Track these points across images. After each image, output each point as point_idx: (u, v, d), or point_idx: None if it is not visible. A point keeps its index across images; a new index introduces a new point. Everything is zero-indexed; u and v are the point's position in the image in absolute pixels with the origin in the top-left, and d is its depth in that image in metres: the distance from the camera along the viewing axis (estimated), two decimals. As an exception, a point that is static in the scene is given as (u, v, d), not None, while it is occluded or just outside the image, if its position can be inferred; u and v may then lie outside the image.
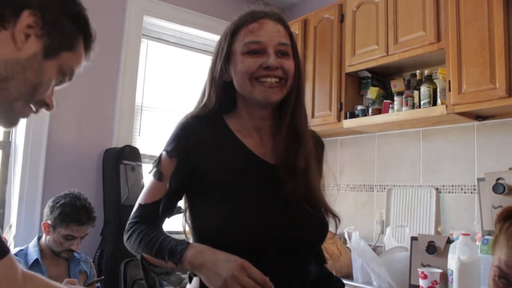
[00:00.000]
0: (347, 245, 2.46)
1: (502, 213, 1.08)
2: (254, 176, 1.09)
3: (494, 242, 1.08)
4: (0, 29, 0.72)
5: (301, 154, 1.09)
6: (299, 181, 1.07)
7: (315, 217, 1.09)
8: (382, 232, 2.70)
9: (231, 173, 1.08)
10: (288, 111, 1.12)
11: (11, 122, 0.80)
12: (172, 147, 1.10)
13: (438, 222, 2.51)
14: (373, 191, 2.97)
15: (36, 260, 2.17)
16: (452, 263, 1.81)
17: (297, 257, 1.07)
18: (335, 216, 1.13)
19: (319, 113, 2.93)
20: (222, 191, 1.06)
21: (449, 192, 2.53)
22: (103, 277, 2.15)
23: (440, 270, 1.88)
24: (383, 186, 2.89)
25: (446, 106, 2.21)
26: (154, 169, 1.11)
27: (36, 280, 0.83)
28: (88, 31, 0.85)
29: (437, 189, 2.57)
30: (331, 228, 1.14)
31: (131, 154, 2.94)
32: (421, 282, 1.87)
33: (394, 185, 2.81)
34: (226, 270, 0.91)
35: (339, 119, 2.80)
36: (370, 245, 2.55)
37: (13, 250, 2.18)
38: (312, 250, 1.13)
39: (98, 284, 2.37)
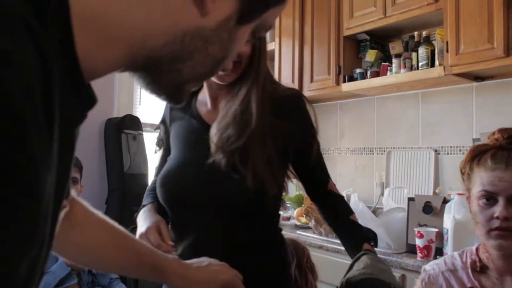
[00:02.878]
0: (347, 207, 2.51)
1: (468, 155, 1.17)
2: (193, 140, 1.19)
3: (468, 178, 1.16)
4: None
5: (241, 133, 1.09)
6: (228, 153, 1.09)
7: (236, 181, 1.10)
8: (382, 194, 2.74)
9: (178, 138, 1.22)
10: (243, 89, 1.13)
11: (176, 102, 0.57)
12: (161, 117, 1.29)
13: (436, 184, 2.55)
14: (373, 154, 2.99)
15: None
16: (448, 222, 1.85)
17: (218, 217, 1.13)
18: (271, 184, 1.11)
19: (318, 77, 2.93)
20: (172, 153, 1.22)
21: (447, 154, 2.55)
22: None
23: (436, 229, 1.92)
24: (382, 149, 2.92)
25: (444, 67, 2.20)
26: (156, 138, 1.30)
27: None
28: None
29: (435, 150, 2.59)
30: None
31: (132, 123, 2.97)
32: (418, 241, 1.91)
33: (393, 148, 2.83)
34: (144, 228, 1.13)
35: (337, 83, 2.80)
36: (370, 207, 2.60)
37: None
38: (232, 212, 1.14)
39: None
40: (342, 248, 2.17)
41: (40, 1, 0.34)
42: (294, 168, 1.26)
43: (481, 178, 1.13)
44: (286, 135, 1.17)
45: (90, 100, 0.43)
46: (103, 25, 0.40)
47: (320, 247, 2.35)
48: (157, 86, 0.52)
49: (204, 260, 0.98)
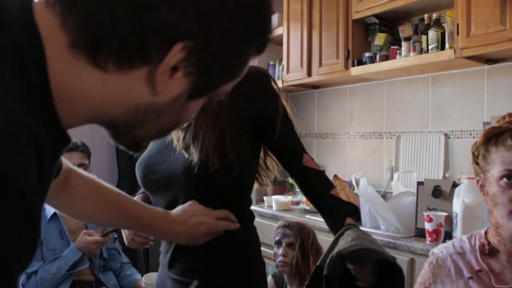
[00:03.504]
0: (355, 192, 2.51)
1: (483, 137, 1.17)
2: None
3: (484, 159, 1.15)
4: (140, 64, 0.52)
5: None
6: (182, 131, 1.14)
7: (184, 158, 1.13)
8: (392, 178, 2.73)
9: None
10: None
11: (134, 151, 0.67)
12: None
13: (446, 168, 2.53)
14: (382, 138, 2.98)
15: (54, 213, 2.26)
16: (457, 206, 1.84)
17: (179, 197, 1.17)
18: (213, 158, 1.13)
19: (327, 62, 2.91)
20: None
21: (457, 138, 2.53)
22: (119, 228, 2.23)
23: (445, 213, 1.92)
24: (392, 133, 2.90)
25: (454, 50, 2.17)
26: None
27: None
28: (264, 38, 0.62)
29: (445, 134, 2.57)
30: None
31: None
32: (427, 225, 1.91)
33: (403, 132, 2.82)
34: None
35: (346, 67, 2.77)
36: (379, 192, 2.60)
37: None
38: (187, 191, 1.16)
39: (115, 235, 2.47)
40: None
41: (32, 95, 0.49)
42: (267, 146, 1.27)
43: (503, 158, 1.11)
44: (246, 111, 1.16)
45: (67, 141, 0.56)
46: (71, 97, 0.53)
47: (329, 231, 2.35)
48: (117, 140, 0.62)
49: (188, 210, 1.06)
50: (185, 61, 0.53)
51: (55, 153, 0.55)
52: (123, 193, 1.04)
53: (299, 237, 2.05)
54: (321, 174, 1.25)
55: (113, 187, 1.03)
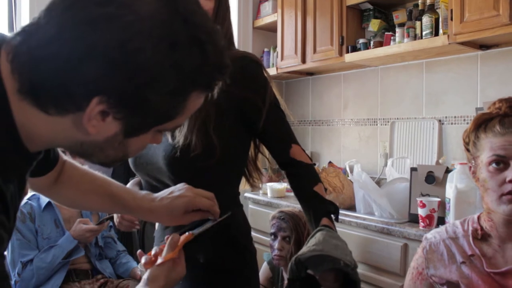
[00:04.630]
0: (349, 178, 2.52)
1: (473, 124, 1.18)
2: None
3: (474, 145, 1.16)
4: (74, 110, 0.62)
5: None
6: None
7: (167, 145, 1.14)
8: (386, 165, 2.74)
9: None
10: None
11: (106, 167, 0.78)
12: None
13: (440, 154, 2.54)
14: (376, 124, 2.98)
15: (49, 202, 2.26)
16: (450, 191, 1.85)
17: (167, 182, 1.18)
18: (196, 143, 1.13)
19: (321, 48, 2.90)
20: None
21: (451, 124, 2.54)
22: (113, 215, 2.24)
23: (438, 199, 1.93)
24: (386, 120, 2.91)
25: (448, 36, 2.17)
26: None
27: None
28: (209, 81, 0.69)
29: (439, 120, 2.58)
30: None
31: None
32: (420, 211, 1.93)
33: (397, 118, 2.82)
34: None
35: (341, 54, 2.77)
36: (374, 178, 2.61)
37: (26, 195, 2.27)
38: (163, 173, 1.18)
39: (110, 223, 2.48)
40: (350, 219, 2.20)
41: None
42: (254, 135, 1.27)
43: (491, 144, 1.12)
44: (233, 98, 1.15)
45: (34, 159, 0.72)
46: (33, 134, 0.65)
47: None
48: (83, 159, 0.73)
49: (170, 189, 1.05)
50: (111, 108, 0.62)
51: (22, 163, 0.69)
52: (107, 177, 1.05)
53: (295, 230, 2.07)
54: (308, 168, 1.23)
55: (97, 172, 1.06)
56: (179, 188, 1.04)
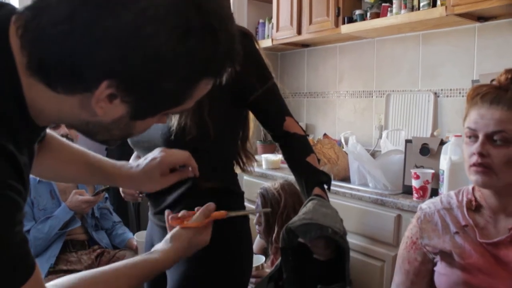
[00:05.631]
0: (344, 150, 2.53)
1: (468, 96, 1.19)
2: None
3: (465, 118, 1.18)
4: (82, 91, 0.64)
5: None
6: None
7: (164, 126, 1.14)
8: (381, 137, 2.75)
9: None
10: None
11: (108, 146, 0.81)
12: None
13: (435, 126, 2.55)
14: (372, 97, 2.98)
15: (45, 174, 2.25)
16: (444, 163, 1.87)
17: None
18: (191, 126, 1.14)
19: (317, 19, 2.86)
20: None
21: (447, 96, 2.54)
22: (108, 186, 2.25)
23: (432, 171, 1.95)
24: (382, 92, 2.90)
25: (446, 7, 2.14)
26: None
27: None
28: (219, 69, 0.70)
29: (435, 93, 2.58)
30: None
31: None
32: (414, 182, 1.94)
33: (393, 91, 2.82)
34: None
35: (337, 25, 2.74)
36: (368, 150, 2.62)
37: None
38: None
39: (106, 194, 2.49)
40: (345, 190, 2.21)
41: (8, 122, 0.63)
42: (248, 109, 1.26)
43: (469, 116, 1.15)
44: (226, 79, 1.16)
45: (42, 129, 0.74)
46: (41, 110, 0.66)
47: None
48: (87, 137, 0.74)
49: (147, 155, 1.06)
50: (120, 91, 0.63)
51: (31, 134, 0.70)
52: (87, 150, 1.06)
53: (271, 206, 2.13)
54: (301, 139, 1.24)
55: (78, 146, 1.06)
56: (153, 153, 1.05)
